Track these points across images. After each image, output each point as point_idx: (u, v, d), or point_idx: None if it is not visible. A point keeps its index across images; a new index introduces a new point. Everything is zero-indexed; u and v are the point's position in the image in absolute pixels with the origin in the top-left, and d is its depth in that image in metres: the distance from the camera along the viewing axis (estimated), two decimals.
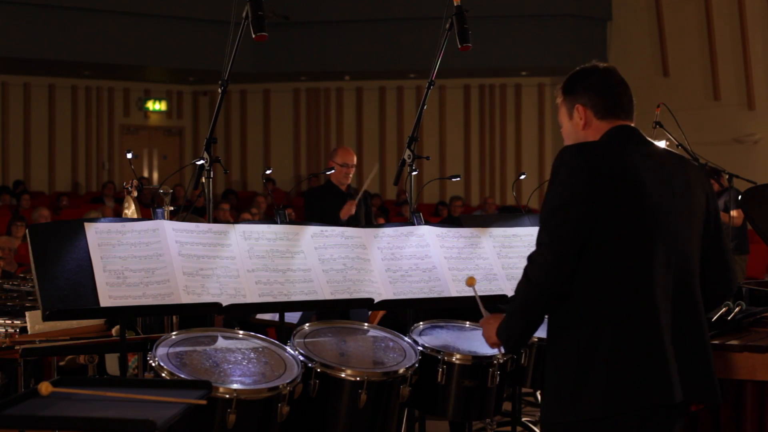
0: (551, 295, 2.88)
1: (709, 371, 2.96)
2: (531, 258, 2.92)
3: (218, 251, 3.69)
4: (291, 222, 3.96)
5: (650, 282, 2.87)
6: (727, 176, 7.60)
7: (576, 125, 3.06)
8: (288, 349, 3.47)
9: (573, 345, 2.87)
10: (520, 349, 3.88)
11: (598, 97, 3.03)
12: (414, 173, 4.62)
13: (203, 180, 4.08)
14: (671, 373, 2.86)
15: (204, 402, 2.76)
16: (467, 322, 4.08)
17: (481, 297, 3.41)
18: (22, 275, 6.44)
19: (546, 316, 2.98)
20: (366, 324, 3.89)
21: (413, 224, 4.22)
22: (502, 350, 3.29)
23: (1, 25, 15.37)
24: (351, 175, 7.58)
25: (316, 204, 7.49)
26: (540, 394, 3.00)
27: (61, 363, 4.67)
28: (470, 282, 3.49)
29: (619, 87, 3.07)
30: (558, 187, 2.89)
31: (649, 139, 3.10)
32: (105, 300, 3.41)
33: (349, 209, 7.31)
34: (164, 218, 3.71)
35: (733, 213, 9.03)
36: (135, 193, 4.44)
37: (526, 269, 2.93)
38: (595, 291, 2.86)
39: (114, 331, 4.02)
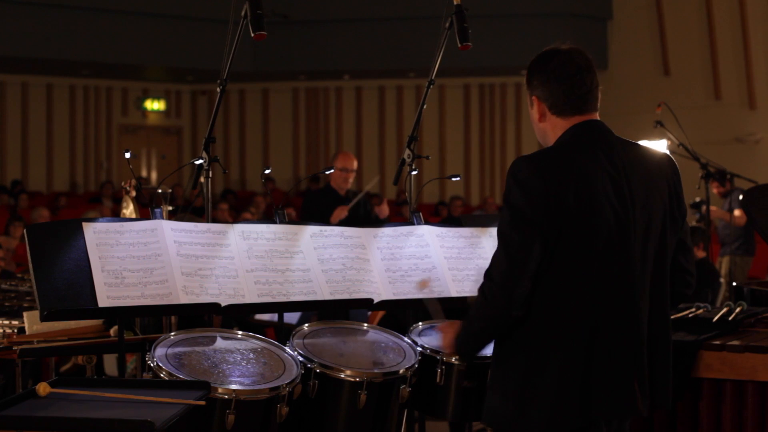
0: (508, 317, 2.74)
1: (665, 379, 2.92)
2: (488, 275, 2.79)
3: (217, 251, 3.67)
4: (290, 222, 3.95)
5: (603, 302, 2.75)
6: (728, 176, 7.59)
7: (534, 117, 2.88)
8: (287, 349, 3.45)
9: (520, 369, 2.80)
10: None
11: (551, 91, 2.80)
12: (414, 173, 4.60)
13: (202, 180, 4.07)
14: (635, 388, 2.80)
15: (203, 403, 2.75)
16: None
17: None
18: (20, 275, 6.43)
19: None
20: (365, 324, 3.88)
21: (413, 224, 4.20)
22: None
23: None
24: (351, 180, 7.54)
25: (312, 207, 7.47)
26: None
27: (63, 368, 4.66)
28: (423, 285, 3.62)
29: (576, 76, 2.80)
30: (513, 202, 2.72)
31: (611, 131, 2.86)
32: (103, 300, 3.39)
33: (339, 214, 7.28)
34: (163, 218, 3.69)
35: (736, 213, 8.94)
36: (133, 193, 4.42)
37: (482, 287, 2.80)
38: (545, 315, 2.75)
39: (112, 331, 4.00)
